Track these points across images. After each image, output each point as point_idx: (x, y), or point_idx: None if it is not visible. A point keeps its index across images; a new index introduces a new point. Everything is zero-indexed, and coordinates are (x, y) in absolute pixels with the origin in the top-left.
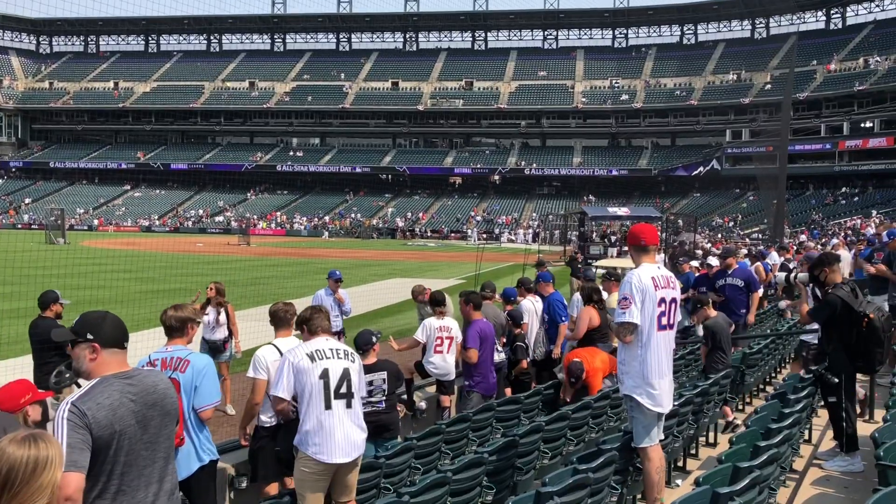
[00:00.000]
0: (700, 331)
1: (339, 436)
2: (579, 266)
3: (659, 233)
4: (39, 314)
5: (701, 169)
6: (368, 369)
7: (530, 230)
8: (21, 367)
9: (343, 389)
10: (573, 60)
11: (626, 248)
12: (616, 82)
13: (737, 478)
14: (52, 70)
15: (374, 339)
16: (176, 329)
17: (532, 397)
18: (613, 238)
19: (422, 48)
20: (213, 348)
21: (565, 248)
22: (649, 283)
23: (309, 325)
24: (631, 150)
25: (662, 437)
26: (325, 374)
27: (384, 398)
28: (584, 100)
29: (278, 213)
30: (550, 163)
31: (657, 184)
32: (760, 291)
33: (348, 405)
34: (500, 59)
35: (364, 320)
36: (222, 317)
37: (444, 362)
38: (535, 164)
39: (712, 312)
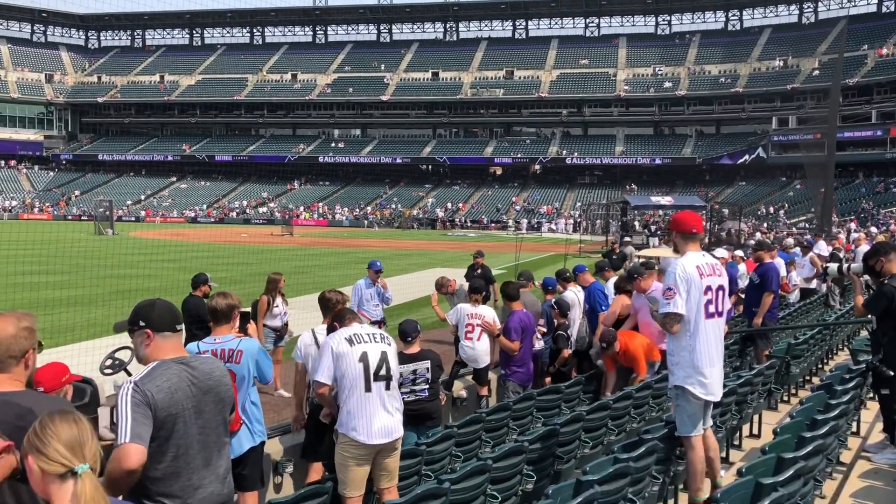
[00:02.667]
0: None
1: (379, 418)
2: (614, 257)
3: (703, 222)
4: (191, 293)
5: (746, 157)
6: (412, 358)
7: (571, 220)
8: (73, 353)
9: (382, 372)
10: (615, 48)
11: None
12: (659, 70)
13: (781, 468)
14: (101, 64)
15: (418, 328)
16: (224, 315)
17: (573, 387)
18: (655, 227)
19: (462, 38)
20: (279, 336)
21: (607, 238)
22: (694, 271)
23: (341, 320)
24: (674, 139)
25: (711, 423)
26: (364, 358)
27: (427, 387)
28: (626, 88)
29: (320, 204)
30: (592, 152)
31: (701, 172)
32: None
33: (387, 387)
34: (541, 47)
35: (404, 310)
36: (284, 305)
37: (472, 349)
38: (576, 153)
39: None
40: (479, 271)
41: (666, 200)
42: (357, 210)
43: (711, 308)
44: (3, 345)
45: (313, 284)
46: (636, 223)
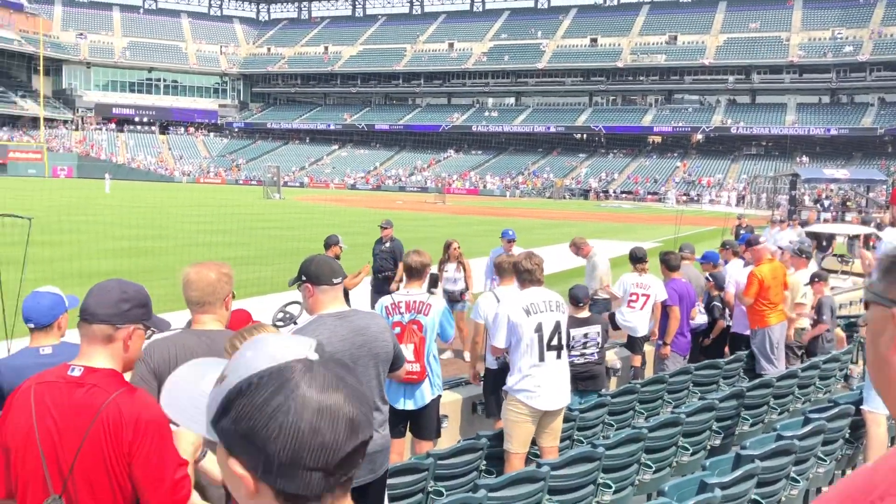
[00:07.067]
0: None
1: (549, 385)
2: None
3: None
4: (323, 253)
5: None
6: (583, 322)
7: (735, 192)
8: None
9: (555, 342)
10: (790, 10)
11: (844, 215)
12: (838, 33)
13: None
14: (270, 36)
15: (589, 293)
16: (417, 272)
17: (732, 363)
18: (828, 203)
19: (623, 2)
20: (452, 299)
21: (773, 213)
22: None
23: (530, 276)
24: (853, 108)
25: None
26: (539, 328)
27: (597, 350)
28: (800, 53)
29: (472, 173)
30: (760, 121)
31: (883, 144)
32: None
33: (558, 356)
34: (707, 10)
35: (552, 280)
36: (460, 271)
37: (633, 317)
38: (742, 123)
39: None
40: (386, 245)
41: (841, 174)
42: (508, 179)
43: None
44: (210, 287)
45: (466, 252)
46: (806, 198)
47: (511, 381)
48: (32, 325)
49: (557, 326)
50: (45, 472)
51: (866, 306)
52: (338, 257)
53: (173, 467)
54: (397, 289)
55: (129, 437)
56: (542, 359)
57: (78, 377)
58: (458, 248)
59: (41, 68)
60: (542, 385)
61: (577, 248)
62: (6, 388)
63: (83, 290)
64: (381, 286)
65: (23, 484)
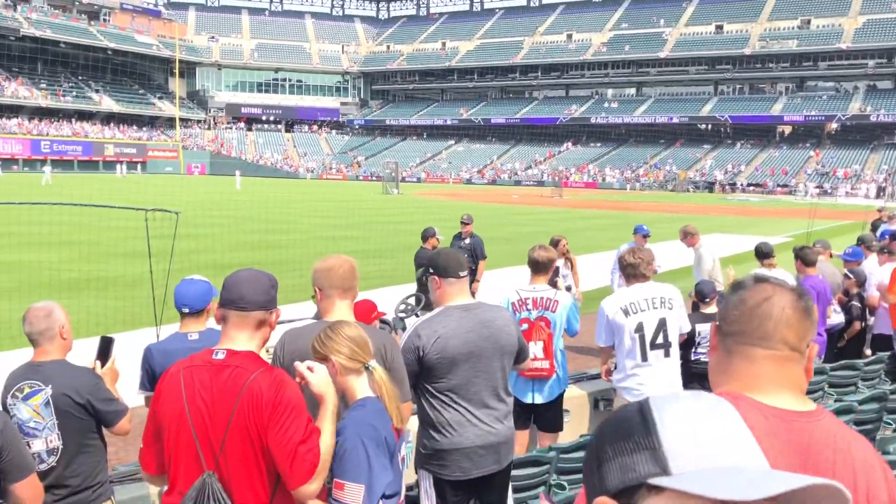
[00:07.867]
0: None
1: (654, 384)
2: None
3: None
4: (421, 245)
5: None
6: (711, 318)
7: (874, 184)
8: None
9: (659, 340)
10: None
11: None
12: None
13: None
14: (389, 34)
15: (715, 288)
16: (543, 267)
17: (873, 364)
18: None
19: None
20: None
21: None
22: None
23: (633, 270)
24: None
25: None
26: (640, 328)
27: None
28: None
29: (590, 166)
30: None
31: None
32: None
33: (666, 354)
34: None
35: (671, 277)
36: (568, 267)
37: None
38: (883, 110)
39: None
40: (466, 241)
41: None
42: (628, 172)
43: None
44: (349, 274)
45: (582, 247)
46: None
47: (616, 377)
48: (187, 310)
49: (662, 324)
50: (199, 450)
51: None
52: (434, 249)
53: (303, 439)
54: (477, 289)
55: (268, 410)
56: (644, 359)
57: (222, 360)
58: (566, 244)
59: (177, 71)
60: (646, 384)
61: (685, 235)
62: (157, 370)
63: (219, 281)
64: None
65: (175, 462)
